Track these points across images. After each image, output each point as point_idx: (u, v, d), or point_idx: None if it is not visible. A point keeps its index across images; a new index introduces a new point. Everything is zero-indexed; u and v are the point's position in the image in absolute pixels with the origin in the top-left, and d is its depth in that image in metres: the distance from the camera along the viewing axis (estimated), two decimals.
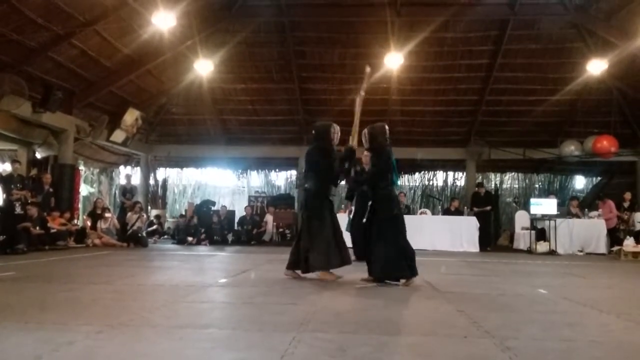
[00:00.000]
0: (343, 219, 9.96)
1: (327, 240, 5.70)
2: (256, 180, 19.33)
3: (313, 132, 6.11)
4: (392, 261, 5.47)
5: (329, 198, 5.98)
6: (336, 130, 5.96)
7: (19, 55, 10.35)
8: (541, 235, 11.77)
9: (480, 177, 18.05)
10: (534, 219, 11.96)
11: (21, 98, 10.23)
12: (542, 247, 11.42)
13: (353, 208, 7.74)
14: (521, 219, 13.07)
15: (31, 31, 9.82)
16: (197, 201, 16.48)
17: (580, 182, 18.82)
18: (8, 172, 10.42)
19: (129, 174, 15.22)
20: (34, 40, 10.15)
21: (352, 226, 8.56)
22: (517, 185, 18.72)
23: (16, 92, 10.04)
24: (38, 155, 12.72)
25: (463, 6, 12.83)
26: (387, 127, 6.00)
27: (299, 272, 5.81)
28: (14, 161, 11.13)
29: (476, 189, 13.99)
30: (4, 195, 9.58)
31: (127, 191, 13.57)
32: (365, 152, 8.86)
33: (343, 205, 13.73)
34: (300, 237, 5.90)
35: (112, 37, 11.39)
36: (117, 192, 14.06)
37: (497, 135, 15.85)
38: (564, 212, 12.22)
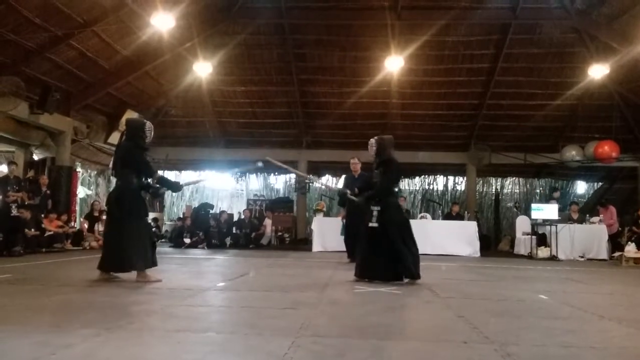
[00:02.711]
0: (337, 223, 10.02)
1: (143, 240, 5.52)
2: (255, 183, 19.28)
3: (126, 128, 5.86)
4: (418, 259, 5.86)
5: (143, 196, 5.75)
6: (150, 128, 5.72)
7: (16, 56, 10.32)
8: (542, 240, 11.72)
9: (481, 181, 18.03)
10: (534, 224, 11.90)
11: (18, 99, 10.18)
12: (543, 252, 11.36)
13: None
14: (522, 224, 13.00)
15: (29, 32, 9.80)
16: (195, 204, 16.42)
17: (581, 188, 18.80)
18: (4, 173, 10.35)
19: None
20: (31, 41, 10.12)
21: (346, 232, 8.73)
22: (517, 190, 18.68)
23: (14, 93, 9.99)
24: (35, 157, 12.68)
25: (464, 10, 12.83)
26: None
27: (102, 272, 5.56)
28: (10, 163, 11.08)
29: None
30: (0, 197, 9.51)
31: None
32: (355, 160, 8.94)
33: (343, 210, 13.74)
34: (108, 235, 5.68)
35: (110, 39, 11.36)
36: None
37: (498, 140, 15.82)
38: (565, 217, 12.16)
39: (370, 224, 5.86)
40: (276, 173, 18.78)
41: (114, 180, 5.93)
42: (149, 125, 5.72)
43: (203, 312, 4.04)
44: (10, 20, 9.35)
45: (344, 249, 9.23)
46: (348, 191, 6.68)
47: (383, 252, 5.74)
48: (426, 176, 18.54)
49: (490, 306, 4.58)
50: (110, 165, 6.98)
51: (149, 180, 5.70)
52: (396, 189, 6.35)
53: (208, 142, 16.78)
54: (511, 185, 18.82)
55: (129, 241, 5.37)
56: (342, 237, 9.24)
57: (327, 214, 13.95)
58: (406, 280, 5.79)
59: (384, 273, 5.78)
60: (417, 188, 18.68)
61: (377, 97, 15.11)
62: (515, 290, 5.86)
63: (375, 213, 5.86)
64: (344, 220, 9.22)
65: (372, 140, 6.08)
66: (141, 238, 5.49)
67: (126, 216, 5.44)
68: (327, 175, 17.99)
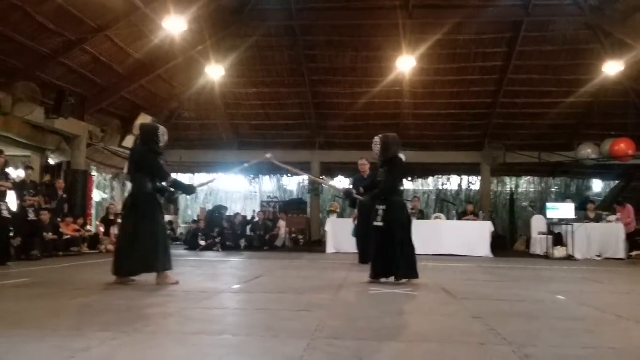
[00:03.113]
0: (349, 224, 10.00)
1: (159, 242, 5.57)
2: (268, 185, 19.30)
3: (140, 132, 5.91)
4: (415, 262, 5.81)
5: (158, 199, 5.79)
6: (164, 132, 5.79)
7: (31, 62, 10.44)
8: (558, 240, 11.60)
9: (495, 181, 17.90)
10: (550, 224, 11.79)
11: (34, 104, 10.30)
12: (559, 252, 11.26)
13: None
14: (538, 223, 12.87)
15: (44, 37, 9.91)
16: (209, 207, 16.49)
17: (597, 186, 18.57)
18: (21, 178, 10.46)
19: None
20: (46, 47, 10.24)
21: (357, 232, 8.73)
22: (533, 189, 18.51)
23: (30, 98, 10.10)
24: (51, 162, 12.79)
25: (476, 8, 12.76)
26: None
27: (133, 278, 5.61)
28: (27, 167, 11.18)
29: None
30: (17, 202, 9.61)
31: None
32: (363, 161, 8.93)
33: (356, 211, 13.70)
34: (123, 239, 5.72)
35: (123, 43, 11.46)
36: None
37: (512, 139, 15.70)
38: (582, 216, 12.03)
39: (376, 223, 5.85)
40: (289, 175, 18.78)
41: (129, 184, 5.98)
42: (162, 129, 5.78)
43: (218, 315, 4.04)
44: (26, 27, 9.46)
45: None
46: (353, 191, 6.64)
47: (390, 250, 5.71)
48: (440, 176, 18.44)
49: (507, 307, 4.53)
50: (126, 170, 7.03)
51: (163, 183, 5.74)
52: (401, 188, 6.26)
53: (221, 144, 16.86)
54: (526, 185, 18.65)
55: (146, 244, 5.42)
56: (355, 239, 9.20)
57: (340, 215, 13.92)
58: (404, 280, 5.74)
59: (392, 271, 5.78)
60: (431, 188, 18.58)
61: (389, 97, 15.08)
62: (532, 290, 5.81)
63: (380, 212, 5.84)
64: (356, 222, 9.21)
65: (377, 139, 6.05)
66: (158, 240, 5.54)
67: (142, 219, 5.49)
68: (340, 176, 17.95)
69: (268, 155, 7.11)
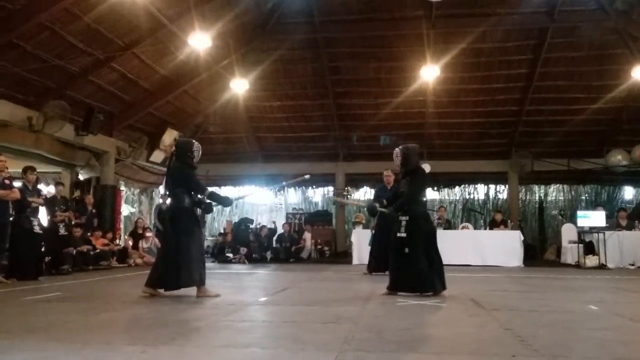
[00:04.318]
0: (366, 234, 9.96)
1: (197, 256, 5.65)
2: (293, 197, 19.34)
3: (176, 148, 6.03)
4: (442, 272, 5.79)
5: (196, 213, 5.89)
6: (198, 147, 5.89)
7: (61, 80, 10.69)
8: (590, 248, 11.35)
9: (524, 189, 17.64)
10: (581, 232, 11.56)
11: (64, 122, 10.55)
12: (591, 261, 11.00)
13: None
14: (568, 232, 12.63)
15: (73, 56, 10.14)
16: (235, 219, 16.59)
17: (629, 193, 18.13)
18: (52, 194, 10.70)
19: (164, 193, 15.43)
20: (75, 65, 10.47)
21: (375, 241, 8.78)
22: (562, 198, 18.16)
23: (60, 116, 10.35)
24: (81, 177, 13.05)
25: (500, 16, 12.66)
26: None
27: (160, 290, 5.64)
28: (57, 183, 11.44)
29: None
30: (48, 217, 9.82)
31: (162, 212, 13.57)
32: (388, 172, 8.91)
33: (373, 220, 13.64)
34: (166, 253, 5.75)
35: (150, 60, 11.66)
36: (154, 213, 14.16)
37: (540, 146, 15.47)
38: (613, 224, 11.76)
39: (399, 234, 5.82)
40: (314, 186, 18.81)
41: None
42: (196, 145, 5.91)
43: (246, 327, 4.05)
44: (55, 46, 9.70)
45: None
46: (376, 204, 6.57)
47: (413, 263, 5.67)
48: (466, 185, 18.24)
49: (538, 318, 4.44)
50: (163, 186, 7.20)
51: (201, 197, 5.85)
52: (424, 198, 6.26)
53: (246, 157, 17.00)
54: (555, 193, 18.29)
55: (185, 258, 5.51)
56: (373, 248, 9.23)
57: (366, 226, 13.84)
58: (429, 293, 5.68)
59: (415, 285, 5.71)
60: (457, 197, 18.39)
61: (413, 107, 15.03)
62: (563, 300, 5.70)
63: (403, 223, 5.82)
64: (373, 231, 9.24)
65: (397, 150, 6.04)
66: (196, 254, 5.63)
67: (180, 234, 5.59)
68: (364, 187, 17.91)
69: (307, 176, 7.43)
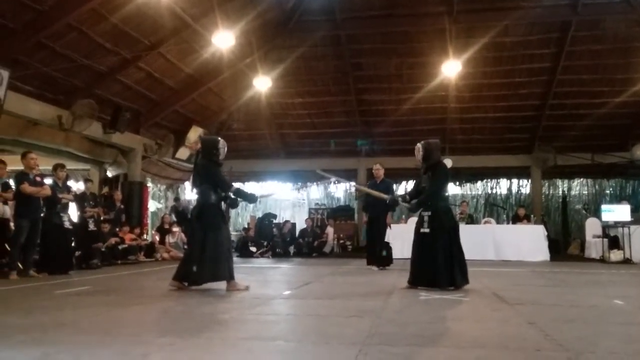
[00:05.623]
0: (395, 229, 10.00)
1: (224, 251, 5.76)
2: (315, 192, 19.43)
3: (201, 146, 6.18)
4: (464, 267, 5.83)
5: (222, 209, 6.01)
6: (224, 145, 5.99)
7: (89, 79, 10.91)
8: (614, 243, 11.23)
9: (547, 183, 17.47)
10: (605, 227, 11.43)
11: (92, 120, 10.79)
12: (615, 255, 10.89)
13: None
14: (592, 226, 12.51)
15: (100, 56, 10.34)
16: (259, 214, 16.76)
17: None
18: (82, 190, 10.95)
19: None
20: (103, 65, 10.68)
21: (368, 234, 9.02)
22: (586, 192, 17.92)
23: (88, 114, 10.58)
24: (109, 174, 13.31)
25: (522, 10, 12.53)
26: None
27: (185, 283, 5.78)
28: (86, 180, 11.70)
29: None
30: (78, 213, 10.06)
31: (180, 212, 13.74)
32: (377, 167, 9.00)
33: (404, 216, 13.66)
34: (193, 249, 5.89)
35: (175, 59, 11.84)
36: (170, 212, 14.36)
37: (563, 140, 15.30)
38: (638, 218, 11.60)
39: (422, 230, 5.87)
40: (336, 182, 18.83)
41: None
42: (222, 142, 6.03)
43: (271, 321, 4.12)
44: (84, 46, 9.91)
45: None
46: (399, 198, 6.66)
47: (434, 258, 5.71)
48: (489, 180, 18.12)
49: (563, 312, 4.45)
50: (191, 183, 7.37)
51: (227, 193, 5.98)
52: (446, 193, 6.31)
53: (269, 153, 17.14)
54: (579, 187, 18.07)
55: (213, 253, 5.65)
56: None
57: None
58: (452, 287, 5.70)
59: (436, 280, 5.74)
60: (480, 192, 18.27)
61: (434, 102, 14.99)
62: (588, 295, 5.68)
63: (426, 219, 5.87)
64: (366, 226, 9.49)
65: (419, 145, 6.09)
66: (223, 250, 5.76)
67: (208, 229, 5.72)
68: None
69: (334, 179, 7.51)
